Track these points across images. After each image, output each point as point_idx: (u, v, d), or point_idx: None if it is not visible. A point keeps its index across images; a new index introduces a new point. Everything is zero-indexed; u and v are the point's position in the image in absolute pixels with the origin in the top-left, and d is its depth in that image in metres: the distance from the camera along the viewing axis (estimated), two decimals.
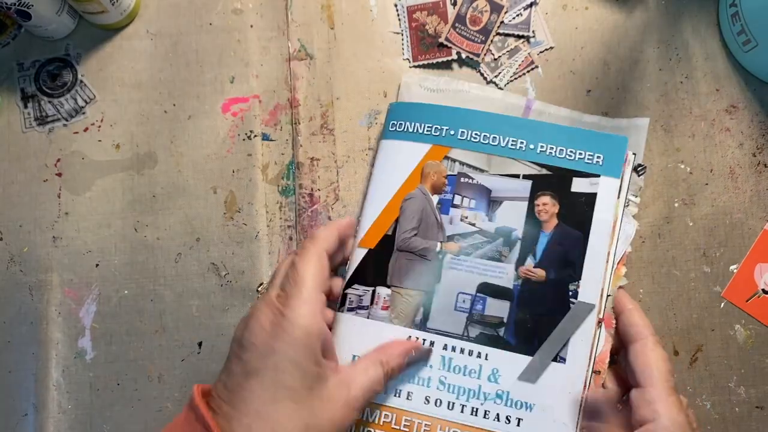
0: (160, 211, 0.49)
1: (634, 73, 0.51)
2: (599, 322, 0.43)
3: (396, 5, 0.52)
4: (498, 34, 0.51)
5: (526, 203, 0.45)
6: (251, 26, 0.51)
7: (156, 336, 0.48)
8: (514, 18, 0.51)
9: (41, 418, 0.47)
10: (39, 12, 0.47)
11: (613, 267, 0.44)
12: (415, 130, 0.46)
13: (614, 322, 0.44)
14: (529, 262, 0.44)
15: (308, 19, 0.51)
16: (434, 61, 0.51)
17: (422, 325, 0.44)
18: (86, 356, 0.48)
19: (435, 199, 0.46)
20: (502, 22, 0.51)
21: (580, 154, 0.45)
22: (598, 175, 0.44)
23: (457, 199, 0.46)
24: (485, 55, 0.51)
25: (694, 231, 0.49)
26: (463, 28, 0.51)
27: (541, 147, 0.45)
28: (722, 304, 0.48)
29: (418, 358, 0.43)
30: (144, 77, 0.51)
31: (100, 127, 0.50)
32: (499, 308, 0.44)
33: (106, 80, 0.51)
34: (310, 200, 0.49)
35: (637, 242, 0.49)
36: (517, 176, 0.45)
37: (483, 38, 0.51)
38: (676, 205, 0.49)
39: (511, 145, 0.45)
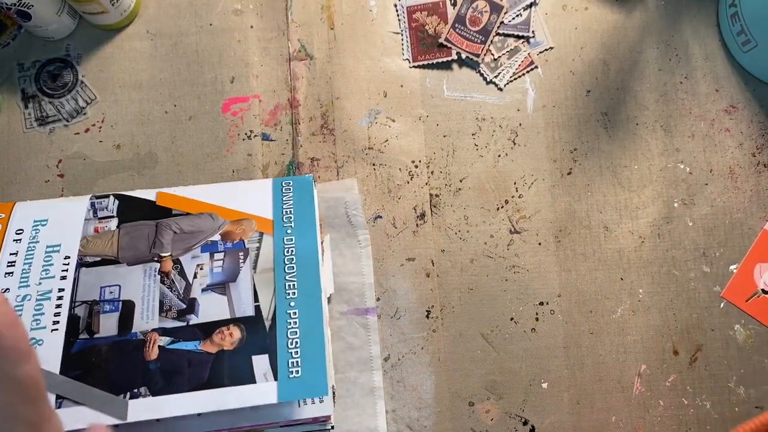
0: None
1: (633, 73, 0.51)
2: None
3: (396, 5, 0.52)
4: (498, 34, 0.51)
5: None
6: (251, 27, 0.52)
7: None
8: (513, 18, 0.51)
9: None
10: (39, 12, 0.47)
11: None
12: None
13: None
14: None
15: (308, 20, 0.52)
16: (434, 61, 0.51)
17: None
18: None
19: None
20: (501, 22, 0.51)
21: None
22: None
23: None
24: (485, 55, 0.51)
25: (693, 231, 0.49)
26: (462, 28, 0.51)
27: None
28: (722, 304, 0.48)
29: None
30: (144, 78, 0.51)
31: (101, 127, 0.50)
32: None
33: (107, 81, 0.51)
34: None
35: (636, 242, 0.49)
36: None
37: (483, 38, 0.51)
38: (676, 205, 0.49)
39: None
